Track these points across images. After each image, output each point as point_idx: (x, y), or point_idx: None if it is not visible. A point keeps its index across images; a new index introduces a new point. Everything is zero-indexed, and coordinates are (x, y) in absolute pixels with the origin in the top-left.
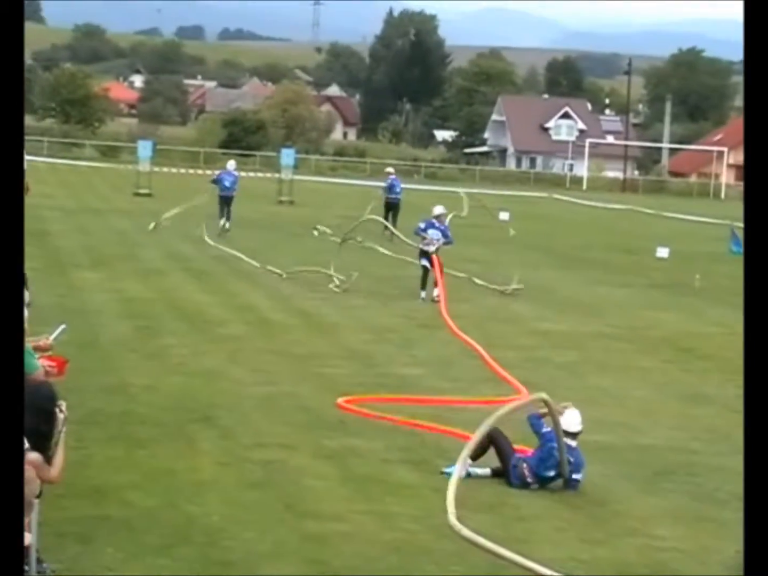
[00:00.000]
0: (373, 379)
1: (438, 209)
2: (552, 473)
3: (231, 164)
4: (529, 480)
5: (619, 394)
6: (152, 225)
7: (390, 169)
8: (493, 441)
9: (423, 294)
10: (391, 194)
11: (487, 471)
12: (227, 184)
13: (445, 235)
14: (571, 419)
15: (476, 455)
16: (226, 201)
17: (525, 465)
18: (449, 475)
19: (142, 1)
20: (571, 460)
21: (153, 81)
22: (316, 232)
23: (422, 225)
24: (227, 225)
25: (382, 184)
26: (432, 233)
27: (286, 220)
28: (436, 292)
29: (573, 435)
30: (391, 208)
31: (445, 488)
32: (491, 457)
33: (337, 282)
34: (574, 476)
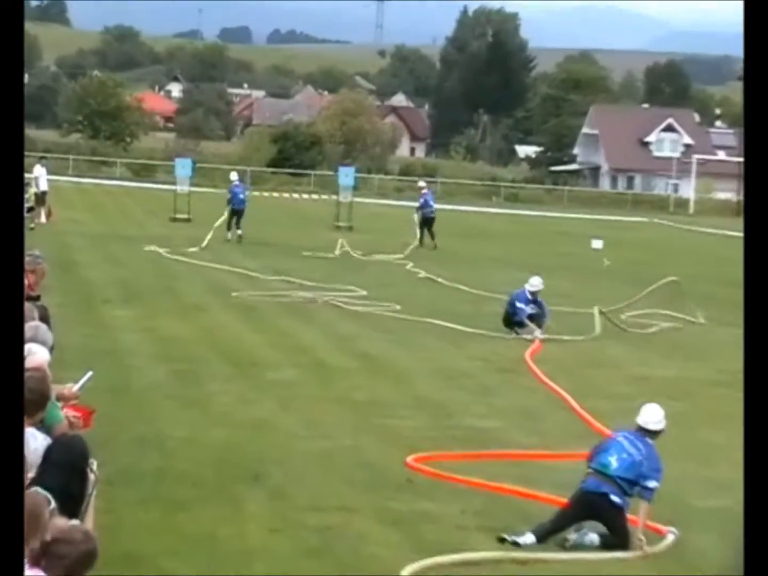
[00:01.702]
0: (445, 432)
1: (535, 282)
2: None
3: (234, 175)
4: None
5: (732, 450)
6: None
7: (422, 184)
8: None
9: (514, 334)
10: (426, 209)
11: (531, 538)
12: (242, 197)
13: (540, 307)
14: (649, 414)
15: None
16: (239, 214)
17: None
18: (514, 543)
19: (181, 1)
20: (644, 463)
21: (193, 90)
22: (338, 251)
23: (523, 306)
24: (240, 232)
25: (417, 203)
26: (529, 308)
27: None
28: (536, 332)
29: (651, 433)
30: (427, 223)
31: (528, 559)
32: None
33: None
34: (649, 484)
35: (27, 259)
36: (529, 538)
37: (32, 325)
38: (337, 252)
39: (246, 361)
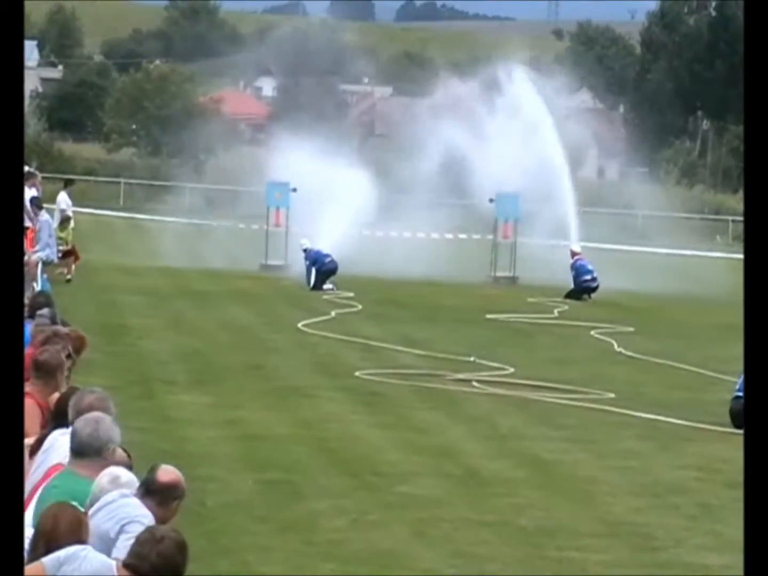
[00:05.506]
0: (650, 571)
1: None
2: None
3: (306, 243)
4: None
5: None
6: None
7: (576, 248)
8: None
9: None
10: (583, 277)
11: None
12: (327, 260)
13: None
14: None
15: None
16: (332, 272)
17: None
18: None
19: None
20: None
21: (292, 87)
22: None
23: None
24: (330, 286)
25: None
26: None
27: (508, 308)
28: None
29: None
30: (587, 291)
31: None
32: None
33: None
34: None
35: (40, 321)
36: None
37: (92, 418)
38: (557, 312)
39: (366, 468)
